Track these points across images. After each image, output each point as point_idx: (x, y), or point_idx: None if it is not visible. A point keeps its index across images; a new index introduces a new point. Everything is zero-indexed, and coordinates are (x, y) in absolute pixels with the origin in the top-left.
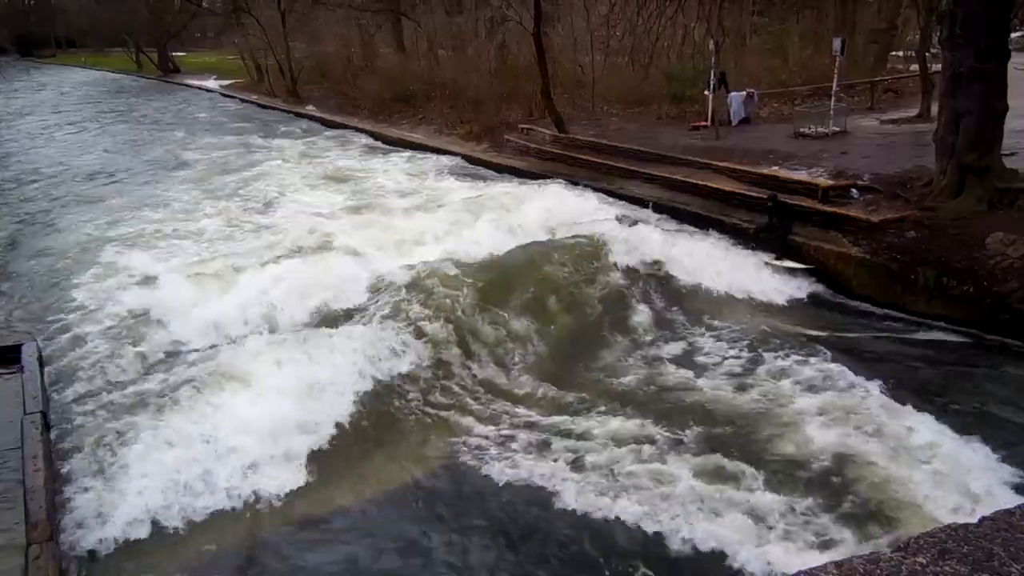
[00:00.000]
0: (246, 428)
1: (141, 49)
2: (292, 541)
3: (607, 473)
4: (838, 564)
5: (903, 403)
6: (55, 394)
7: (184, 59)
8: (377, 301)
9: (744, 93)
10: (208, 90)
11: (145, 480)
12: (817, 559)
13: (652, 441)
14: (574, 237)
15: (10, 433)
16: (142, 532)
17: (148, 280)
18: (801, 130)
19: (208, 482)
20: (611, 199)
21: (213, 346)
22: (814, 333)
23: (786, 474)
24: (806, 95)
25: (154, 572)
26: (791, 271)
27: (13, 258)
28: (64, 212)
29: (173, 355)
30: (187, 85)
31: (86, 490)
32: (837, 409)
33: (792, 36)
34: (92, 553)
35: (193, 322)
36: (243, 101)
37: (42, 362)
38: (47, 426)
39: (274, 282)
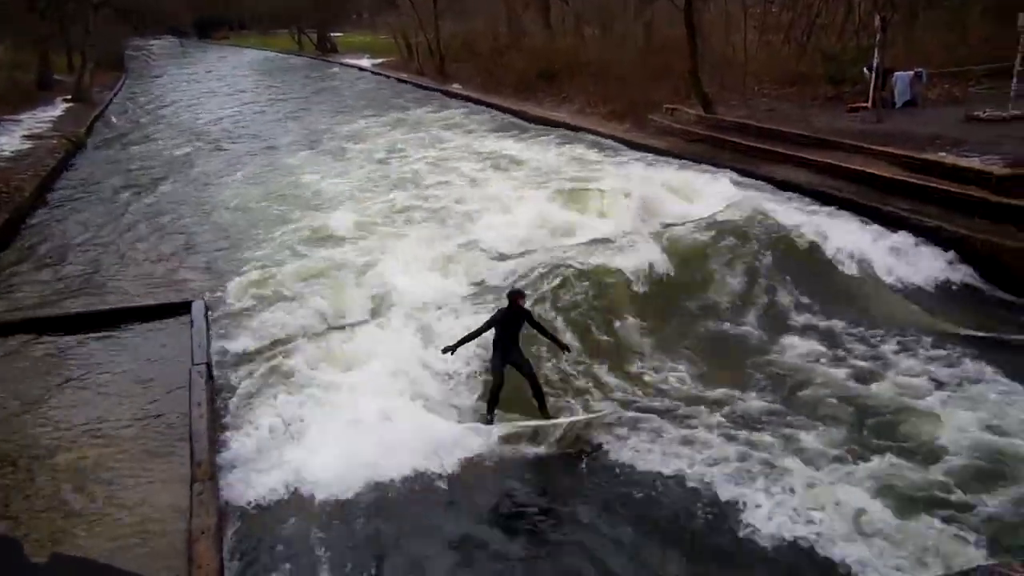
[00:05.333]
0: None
1: (302, 30)
2: (436, 510)
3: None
4: None
5: None
6: (219, 347)
7: (340, 39)
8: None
9: (911, 73)
10: (361, 68)
11: (299, 433)
12: None
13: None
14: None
15: (179, 380)
16: (292, 479)
17: (320, 241)
18: (975, 113)
19: (356, 441)
20: (756, 183)
21: (372, 310)
22: (984, 335)
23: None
24: (983, 75)
25: (303, 516)
26: None
27: (185, 220)
28: (240, 175)
29: (337, 315)
30: (342, 63)
31: (244, 436)
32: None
33: (973, 9)
34: (247, 493)
35: (362, 288)
36: (391, 79)
37: (208, 318)
38: (211, 376)
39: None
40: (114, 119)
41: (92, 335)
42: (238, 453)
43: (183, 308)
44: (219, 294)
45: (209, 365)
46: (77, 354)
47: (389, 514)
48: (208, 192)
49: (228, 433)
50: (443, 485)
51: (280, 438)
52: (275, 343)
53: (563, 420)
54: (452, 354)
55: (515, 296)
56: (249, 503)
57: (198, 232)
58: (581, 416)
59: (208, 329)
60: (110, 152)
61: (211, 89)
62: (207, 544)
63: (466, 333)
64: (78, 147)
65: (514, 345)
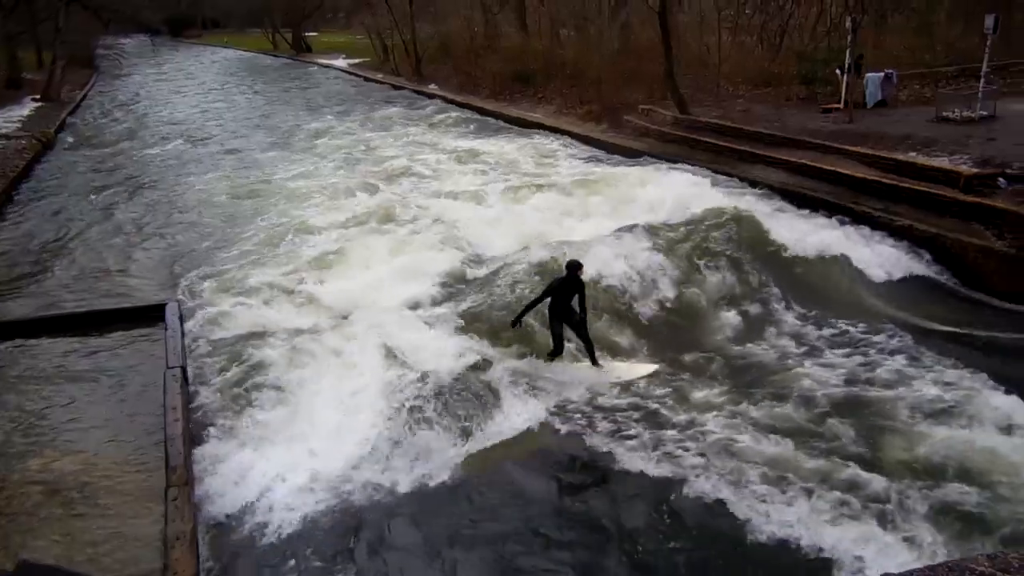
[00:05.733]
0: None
1: (277, 29)
2: (409, 520)
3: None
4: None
5: None
6: (193, 350)
7: (315, 39)
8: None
9: (882, 74)
10: (337, 69)
11: (277, 436)
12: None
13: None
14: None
15: (153, 385)
16: (271, 483)
17: (295, 239)
18: (944, 114)
19: (337, 444)
20: (730, 182)
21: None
22: (950, 330)
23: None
24: (951, 77)
25: (282, 520)
26: None
27: (157, 220)
28: (211, 175)
29: (313, 313)
30: (318, 64)
31: (220, 441)
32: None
33: (939, 13)
34: (224, 498)
35: (337, 285)
36: (368, 80)
37: (183, 321)
38: (186, 380)
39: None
40: (85, 118)
41: (63, 339)
42: (214, 458)
43: (156, 311)
44: (192, 296)
45: (184, 369)
46: (48, 358)
47: (371, 516)
48: (179, 192)
49: (204, 438)
50: (420, 488)
51: (257, 442)
52: (251, 345)
53: (612, 378)
54: (520, 326)
55: (574, 267)
56: (226, 508)
57: (170, 232)
58: (636, 368)
59: (183, 332)
60: (81, 152)
61: (182, 89)
62: (183, 550)
63: (528, 303)
64: (48, 147)
65: (569, 312)
